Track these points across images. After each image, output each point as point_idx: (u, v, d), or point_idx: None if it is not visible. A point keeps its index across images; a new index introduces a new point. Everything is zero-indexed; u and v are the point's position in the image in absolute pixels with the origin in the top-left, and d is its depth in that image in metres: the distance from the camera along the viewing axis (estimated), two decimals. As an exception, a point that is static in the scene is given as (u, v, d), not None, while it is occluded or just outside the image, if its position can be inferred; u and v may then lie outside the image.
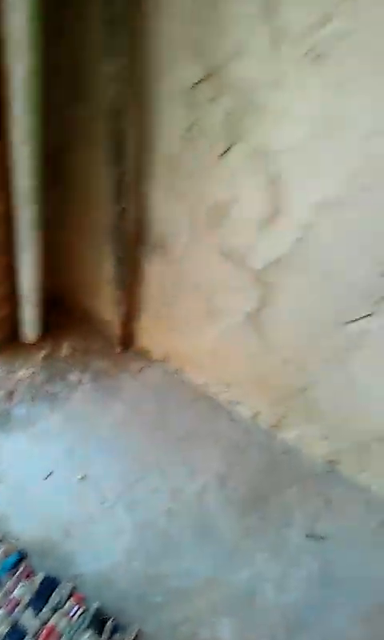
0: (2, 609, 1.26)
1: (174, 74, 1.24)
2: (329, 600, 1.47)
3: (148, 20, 1.18)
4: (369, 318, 1.31)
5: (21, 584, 1.31)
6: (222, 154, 1.26)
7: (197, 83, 1.21)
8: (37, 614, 1.26)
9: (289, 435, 1.74)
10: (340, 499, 1.68)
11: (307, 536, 1.55)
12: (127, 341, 1.88)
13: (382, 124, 1.03)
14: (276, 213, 1.27)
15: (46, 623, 1.25)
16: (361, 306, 1.31)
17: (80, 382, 1.85)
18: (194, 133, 1.27)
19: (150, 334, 1.82)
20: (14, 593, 1.29)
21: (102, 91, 1.23)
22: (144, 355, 1.90)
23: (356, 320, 1.34)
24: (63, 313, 2.06)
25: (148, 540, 1.51)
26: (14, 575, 1.33)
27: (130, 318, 1.80)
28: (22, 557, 1.38)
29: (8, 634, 1.22)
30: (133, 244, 1.59)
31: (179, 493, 1.62)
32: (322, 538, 1.55)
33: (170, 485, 1.64)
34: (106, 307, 1.80)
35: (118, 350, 1.89)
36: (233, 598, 1.45)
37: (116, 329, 1.80)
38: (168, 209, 1.48)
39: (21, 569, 1.35)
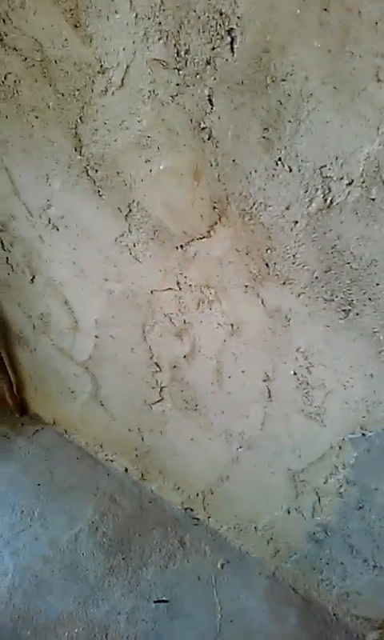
0: None
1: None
2: (175, 629, 1.76)
3: None
4: (162, 401, 1.61)
5: None
6: (31, 280, 1.59)
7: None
8: None
9: (153, 486, 2.05)
10: (192, 541, 1.97)
11: (155, 602, 1.81)
12: (23, 408, 2.23)
13: (109, 275, 1.34)
14: (76, 323, 1.59)
15: None
16: (154, 393, 1.61)
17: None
18: (9, 265, 1.61)
19: (37, 402, 2.17)
20: None
21: None
22: (38, 420, 2.25)
23: (155, 402, 1.64)
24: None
25: (26, 581, 1.85)
26: None
27: (19, 389, 2.15)
28: None
29: None
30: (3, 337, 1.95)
31: (56, 540, 1.96)
32: (166, 601, 1.82)
33: (49, 533, 1.97)
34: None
35: (17, 414, 2.24)
36: (90, 630, 1.77)
37: (8, 399, 2.15)
38: (15, 315, 1.82)
39: None
